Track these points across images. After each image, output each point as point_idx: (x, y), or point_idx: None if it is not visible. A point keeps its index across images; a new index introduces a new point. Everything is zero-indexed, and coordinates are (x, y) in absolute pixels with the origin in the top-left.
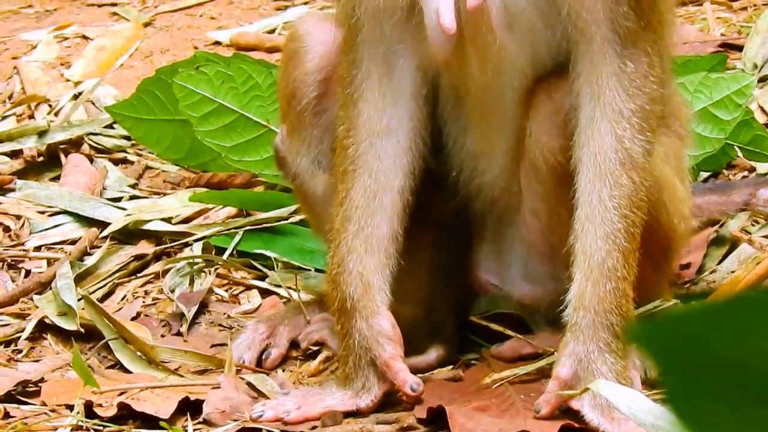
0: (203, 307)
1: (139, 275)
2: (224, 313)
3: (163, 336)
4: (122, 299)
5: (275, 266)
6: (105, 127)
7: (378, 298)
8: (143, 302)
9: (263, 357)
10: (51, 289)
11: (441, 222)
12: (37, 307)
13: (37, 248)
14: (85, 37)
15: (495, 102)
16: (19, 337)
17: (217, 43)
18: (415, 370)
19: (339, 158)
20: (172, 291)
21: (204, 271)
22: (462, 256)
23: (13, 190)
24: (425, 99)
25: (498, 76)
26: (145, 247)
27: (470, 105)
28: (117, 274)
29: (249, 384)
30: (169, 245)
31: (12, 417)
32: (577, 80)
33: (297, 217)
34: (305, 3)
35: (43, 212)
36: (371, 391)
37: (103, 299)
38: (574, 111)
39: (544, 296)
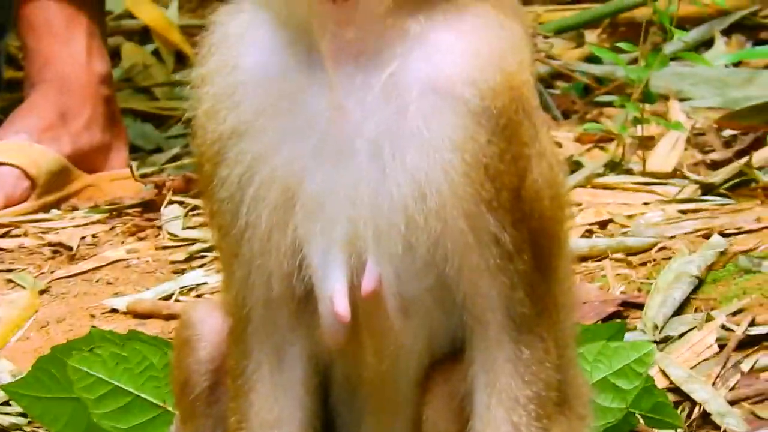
0: None
1: None
2: None
3: None
4: None
5: None
6: (1, 404)
7: None
8: None
9: None
10: None
11: None
12: None
13: None
14: None
15: (391, 388)
16: None
17: (114, 310)
18: None
19: None
20: None
21: None
22: None
23: None
24: (317, 388)
25: (394, 362)
26: None
27: (365, 392)
28: None
29: None
30: None
31: None
32: (473, 366)
33: None
34: (201, 266)
35: None
36: None
37: None
38: (470, 396)
39: None
